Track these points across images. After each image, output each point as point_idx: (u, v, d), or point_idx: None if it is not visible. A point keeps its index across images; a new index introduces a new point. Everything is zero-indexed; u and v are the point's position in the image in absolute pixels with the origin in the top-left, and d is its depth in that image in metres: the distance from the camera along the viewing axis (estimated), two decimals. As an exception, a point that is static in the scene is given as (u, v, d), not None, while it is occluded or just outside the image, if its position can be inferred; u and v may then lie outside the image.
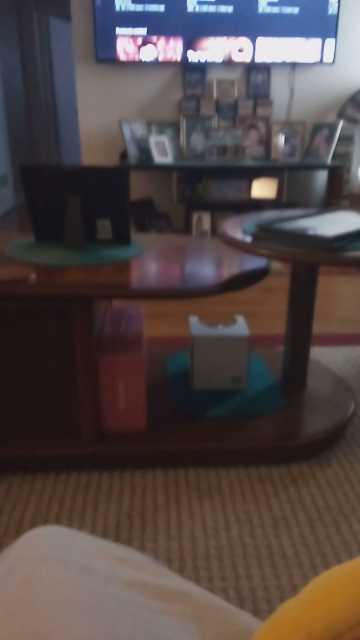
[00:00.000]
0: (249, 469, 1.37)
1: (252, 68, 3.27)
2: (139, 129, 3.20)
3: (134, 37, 3.10)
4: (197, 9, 3.05)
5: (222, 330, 1.57)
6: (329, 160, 3.21)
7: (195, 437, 1.39)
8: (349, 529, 1.18)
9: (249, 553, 1.12)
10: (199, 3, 3.04)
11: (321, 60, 3.20)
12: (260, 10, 3.07)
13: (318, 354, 2.01)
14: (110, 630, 0.43)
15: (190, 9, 3.05)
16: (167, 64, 3.21)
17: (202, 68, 3.25)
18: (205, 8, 3.05)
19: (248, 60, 3.17)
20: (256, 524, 1.19)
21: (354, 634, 0.30)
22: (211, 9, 3.06)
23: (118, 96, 3.31)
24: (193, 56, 3.15)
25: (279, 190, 3.31)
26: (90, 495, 1.28)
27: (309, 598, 0.32)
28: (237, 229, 1.38)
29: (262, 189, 3.32)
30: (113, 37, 3.10)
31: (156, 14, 3.06)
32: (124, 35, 3.10)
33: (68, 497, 1.27)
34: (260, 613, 0.98)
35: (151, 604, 0.48)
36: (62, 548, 0.53)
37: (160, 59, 3.15)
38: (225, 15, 3.08)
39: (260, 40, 3.13)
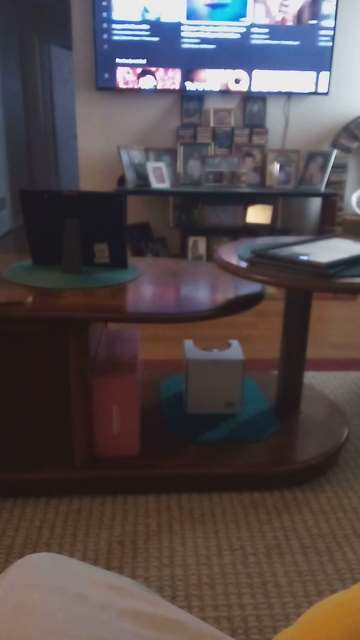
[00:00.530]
0: (243, 494, 1.36)
1: (248, 98, 3.35)
2: (137, 155, 3.26)
3: (133, 67, 3.18)
4: (192, 46, 3.14)
5: (216, 354, 1.57)
6: (322, 188, 3.27)
7: (188, 462, 1.38)
8: (342, 556, 1.17)
9: (242, 581, 1.10)
10: (190, 42, 3.13)
11: (316, 91, 3.29)
12: (255, 42, 3.17)
13: (312, 378, 2.02)
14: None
15: (185, 45, 3.14)
16: (165, 92, 3.29)
17: (199, 97, 3.33)
18: (198, 45, 3.14)
19: (244, 89, 3.26)
20: (249, 552, 1.18)
21: None
22: (204, 45, 3.15)
23: (117, 123, 3.38)
24: (191, 86, 3.23)
25: (274, 217, 3.36)
26: (82, 520, 1.27)
27: (304, 628, 0.32)
28: (233, 254, 1.40)
29: (257, 215, 3.37)
30: (113, 67, 3.19)
31: (154, 46, 3.14)
32: (123, 65, 3.18)
33: (59, 523, 1.26)
34: (252, 644, 0.97)
35: (145, 633, 0.47)
36: (56, 576, 0.52)
37: (158, 87, 3.23)
38: (221, 49, 3.17)
39: (256, 72, 3.22)
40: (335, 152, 3.25)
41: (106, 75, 3.20)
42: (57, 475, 1.34)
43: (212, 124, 3.36)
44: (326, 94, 3.30)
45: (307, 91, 3.28)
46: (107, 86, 3.22)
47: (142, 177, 3.22)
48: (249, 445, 1.45)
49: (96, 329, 1.52)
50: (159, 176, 3.20)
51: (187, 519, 1.28)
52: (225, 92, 3.27)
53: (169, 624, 0.50)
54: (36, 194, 1.42)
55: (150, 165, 3.18)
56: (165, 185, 3.21)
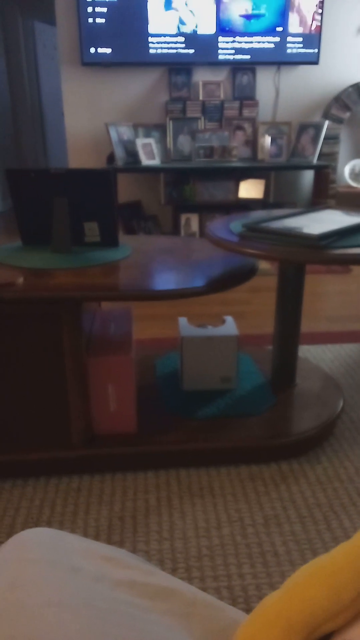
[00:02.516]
0: (240, 468, 1.38)
1: (237, 69, 3.28)
2: (125, 132, 3.20)
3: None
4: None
5: (211, 330, 1.57)
6: (315, 160, 3.23)
7: (185, 438, 1.39)
8: (339, 525, 1.19)
9: (241, 552, 1.12)
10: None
11: (306, 61, 3.23)
12: (242, 12, 3.09)
13: (307, 352, 2.02)
14: (98, 629, 0.44)
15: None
16: (153, 65, 3.22)
17: (187, 70, 3.26)
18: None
19: (232, 58, 3.19)
20: (247, 523, 1.20)
21: (333, 623, 0.30)
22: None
23: (104, 99, 3.31)
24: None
25: (266, 191, 3.33)
26: (82, 498, 1.28)
27: (289, 590, 0.32)
28: (225, 229, 1.39)
29: (249, 189, 3.34)
30: (98, 41, 3.11)
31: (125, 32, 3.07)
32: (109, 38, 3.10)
33: (59, 501, 1.27)
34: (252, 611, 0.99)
35: (139, 602, 0.48)
36: (50, 549, 0.53)
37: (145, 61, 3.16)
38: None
39: (244, 38, 3.15)
40: (327, 123, 3.21)
41: (91, 50, 3.12)
42: (56, 454, 1.35)
43: (201, 97, 3.30)
44: (316, 63, 3.24)
45: (297, 61, 3.21)
46: (92, 61, 3.15)
47: (132, 154, 3.17)
48: (245, 420, 1.46)
49: (89, 309, 1.52)
50: (149, 152, 3.16)
51: (186, 493, 1.29)
52: (213, 64, 3.21)
53: (163, 593, 0.50)
54: (23, 173, 1.40)
55: (140, 142, 3.13)
56: (155, 161, 3.17)
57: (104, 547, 0.57)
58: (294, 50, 3.19)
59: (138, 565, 0.54)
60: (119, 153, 3.14)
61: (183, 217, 3.35)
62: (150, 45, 3.11)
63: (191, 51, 3.14)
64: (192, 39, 3.11)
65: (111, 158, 3.23)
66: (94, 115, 3.34)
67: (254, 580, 1.05)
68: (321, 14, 3.13)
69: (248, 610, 0.99)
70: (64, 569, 0.50)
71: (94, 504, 1.26)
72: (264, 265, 3.04)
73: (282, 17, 3.12)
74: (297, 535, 1.16)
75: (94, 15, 3.05)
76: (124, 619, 0.45)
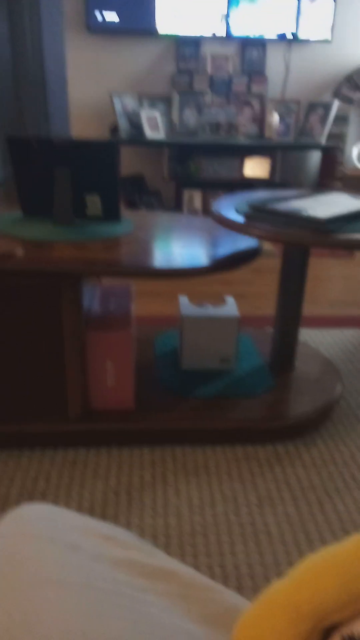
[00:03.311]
0: (236, 448, 1.38)
1: (247, 43, 3.20)
2: (130, 103, 3.13)
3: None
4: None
5: (212, 310, 1.56)
6: (323, 141, 3.18)
7: (182, 416, 1.39)
8: (332, 508, 1.20)
9: (234, 530, 1.13)
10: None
11: (318, 38, 3.14)
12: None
13: (307, 335, 2.02)
14: (97, 608, 0.43)
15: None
16: (160, 35, 3.13)
17: (195, 42, 3.17)
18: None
19: (243, 33, 3.10)
20: (241, 502, 1.21)
21: (341, 614, 0.30)
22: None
23: (109, 68, 3.23)
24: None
25: (272, 170, 3.28)
26: (77, 472, 1.28)
27: (298, 578, 0.32)
28: (230, 208, 1.36)
29: (255, 168, 3.29)
30: (105, 6, 3.01)
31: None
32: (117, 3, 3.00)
33: (54, 474, 1.27)
34: (243, 589, 1.00)
35: (137, 583, 0.48)
36: (49, 526, 0.52)
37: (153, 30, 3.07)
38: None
39: (255, 12, 3.06)
40: (336, 103, 3.14)
41: (97, 16, 3.02)
42: (52, 427, 1.35)
43: (209, 71, 3.22)
44: (329, 41, 3.15)
45: (309, 37, 3.13)
46: (98, 27, 3.05)
47: (136, 127, 3.10)
48: (242, 401, 1.46)
49: (89, 284, 1.50)
50: (154, 125, 3.09)
51: (181, 471, 1.30)
52: (222, 37, 3.12)
53: (161, 573, 0.50)
54: (25, 141, 1.36)
55: (145, 114, 3.06)
56: (159, 135, 3.11)
57: (103, 525, 0.56)
58: (307, 27, 3.10)
59: (137, 546, 0.54)
60: (123, 124, 3.07)
61: (186, 194, 3.31)
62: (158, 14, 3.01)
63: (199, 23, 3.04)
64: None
65: (115, 129, 3.17)
66: (98, 84, 3.26)
67: (246, 558, 1.06)
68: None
69: (240, 588, 1.00)
70: (64, 546, 0.49)
71: (89, 477, 1.27)
72: (267, 246, 3.01)
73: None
74: (290, 517, 1.17)
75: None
76: (123, 599, 0.45)
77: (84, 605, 0.43)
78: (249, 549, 1.09)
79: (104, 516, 1.16)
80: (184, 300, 1.62)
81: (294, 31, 3.10)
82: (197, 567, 1.04)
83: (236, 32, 3.09)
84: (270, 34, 3.11)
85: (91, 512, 1.17)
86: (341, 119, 3.23)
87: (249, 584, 1.01)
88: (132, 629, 0.43)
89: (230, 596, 0.52)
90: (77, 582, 0.45)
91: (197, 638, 0.45)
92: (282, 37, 3.07)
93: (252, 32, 3.09)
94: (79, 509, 1.18)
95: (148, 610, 0.45)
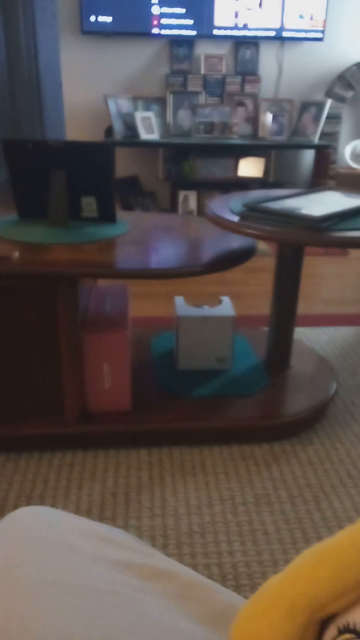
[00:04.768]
0: (232, 447, 1.39)
1: (240, 43, 3.21)
2: (124, 104, 3.13)
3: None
4: None
5: (207, 310, 1.56)
6: (316, 140, 3.19)
7: (179, 417, 1.40)
8: (328, 505, 1.20)
9: (231, 529, 1.13)
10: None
11: (310, 37, 3.15)
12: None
13: (302, 334, 2.03)
14: (95, 609, 0.44)
15: None
16: (154, 37, 3.13)
17: (189, 42, 3.18)
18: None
19: (235, 32, 3.11)
20: (238, 501, 1.21)
21: (337, 605, 0.30)
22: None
23: (104, 70, 3.23)
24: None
25: (266, 170, 3.28)
26: (75, 474, 1.29)
27: (293, 572, 0.32)
28: (224, 208, 1.37)
29: (249, 168, 3.30)
30: (99, 9, 3.01)
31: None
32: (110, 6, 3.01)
33: (52, 476, 1.28)
34: (241, 588, 1.01)
35: (136, 583, 0.48)
36: (47, 528, 0.53)
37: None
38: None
39: (248, 12, 3.07)
40: (329, 101, 3.15)
41: (92, 19, 3.03)
42: (50, 430, 1.35)
43: (202, 71, 3.22)
44: (321, 39, 3.16)
45: (302, 36, 3.14)
46: (92, 30, 3.05)
47: (131, 128, 3.11)
48: (239, 400, 1.46)
49: (85, 285, 1.50)
50: (148, 126, 3.10)
51: (178, 471, 1.30)
52: (216, 37, 3.13)
53: (159, 574, 0.51)
54: (20, 143, 1.37)
55: (139, 115, 3.07)
56: (154, 136, 3.11)
57: (100, 526, 0.57)
58: (298, 26, 3.11)
59: (135, 546, 0.54)
60: (118, 126, 3.08)
61: (181, 194, 3.31)
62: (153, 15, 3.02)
63: (191, 22, 3.05)
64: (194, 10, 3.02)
65: (109, 131, 3.17)
66: (93, 86, 3.26)
67: (244, 557, 1.07)
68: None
69: (237, 586, 1.01)
70: (61, 548, 0.50)
71: (87, 479, 1.27)
72: (261, 245, 3.02)
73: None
74: (287, 515, 1.18)
75: (95, -20, 2.96)
76: (121, 600, 0.46)
77: (82, 607, 0.43)
78: (246, 548, 1.09)
79: (101, 518, 1.17)
80: (179, 301, 1.62)
81: (286, 29, 3.11)
82: (194, 566, 1.05)
83: (227, 31, 3.09)
84: (263, 33, 3.12)
85: (89, 514, 1.18)
86: (334, 118, 3.24)
87: (247, 583, 1.02)
88: (131, 630, 0.44)
89: (228, 595, 0.52)
90: (75, 584, 0.46)
91: (196, 638, 0.46)
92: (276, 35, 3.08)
93: (244, 31, 3.10)
94: (77, 511, 1.19)
95: (146, 611, 0.45)
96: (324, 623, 0.32)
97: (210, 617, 0.47)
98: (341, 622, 0.30)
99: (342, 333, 2.06)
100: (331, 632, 0.31)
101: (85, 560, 0.49)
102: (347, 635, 0.29)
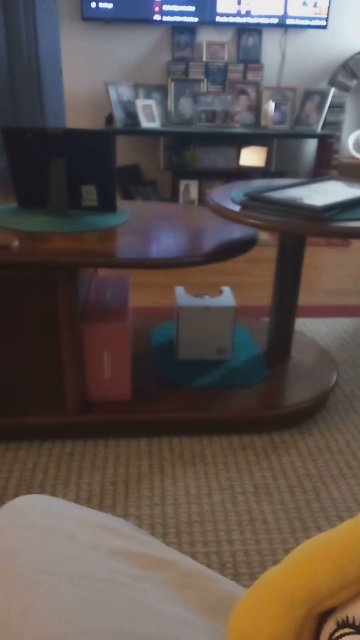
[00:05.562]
0: (232, 437, 1.39)
1: (243, 30, 3.17)
2: (125, 92, 3.10)
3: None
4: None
5: (208, 300, 1.56)
6: (319, 129, 3.16)
7: (179, 407, 1.40)
8: (327, 495, 1.21)
9: (231, 519, 1.14)
10: None
11: (314, 25, 3.11)
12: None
13: (303, 325, 2.02)
14: (94, 598, 0.44)
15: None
16: (155, 23, 3.09)
17: (191, 29, 3.14)
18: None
19: (238, 19, 3.07)
20: (238, 491, 1.22)
21: (336, 599, 0.30)
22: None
23: (104, 57, 3.20)
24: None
25: (268, 159, 3.26)
26: (75, 463, 1.29)
27: (293, 565, 0.32)
28: (226, 197, 1.36)
29: (251, 157, 3.27)
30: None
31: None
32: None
33: (52, 465, 1.28)
34: (240, 576, 1.01)
35: (135, 572, 0.48)
36: (46, 517, 0.53)
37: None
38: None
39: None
40: (332, 90, 3.12)
41: (92, 4, 2.99)
42: (50, 420, 1.35)
43: (204, 59, 3.19)
44: (325, 27, 3.12)
45: (305, 24, 3.10)
46: (93, 16, 3.02)
47: (131, 116, 3.08)
48: (239, 391, 1.46)
49: (85, 275, 1.50)
50: (149, 115, 3.07)
51: (178, 461, 1.31)
52: (218, 24, 3.09)
53: (158, 563, 0.51)
54: (19, 131, 1.35)
55: (140, 103, 3.04)
56: (155, 124, 3.08)
57: (99, 515, 0.57)
58: (302, 14, 3.07)
59: (134, 535, 0.54)
60: (118, 114, 3.05)
61: (182, 184, 3.29)
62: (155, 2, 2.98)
63: (192, 8, 3.01)
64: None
65: (110, 119, 3.14)
66: (94, 74, 3.23)
67: (243, 546, 1.07)
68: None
69: (236, 575, 1.01)
70: (60, 537, 0.50)
71: (87, 468, 1.27)
72: (263, 235, 3.00)
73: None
74: (286, 504, 1.18)
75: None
76: (120, 589, 0.46)
77: (80, 595, 0.44)
78: (245, 537, 1.10)
79: (101, 507, 1.17)
80: (180, 291, 1.62)
81: (289, 16, 3.07)
82: (194, 555, 1.05)
83: (230, 18, 3.05)
84: (266, 20, 3.08)
85: (89, 503, 1.18)
86: (337, 107, 3.21)
87: (245, 571, 1.02)
88: (129, 618, 0.44)
89: (227, 584, 0.52)
90: (74, 573, 0.46)
91: (194, 626, 0.46)
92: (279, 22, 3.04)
93: (247, 18, 3.06)
94: (77, 500, 1.19)
95: (145, 599, 0.45)
96: (323, 616, 0.32)
97: (209, 606, 0.47)
98: (340, 616, 0.30)
99: (342, 324, 2.05)
100: (330, 625, 0.31)
101: (84, 549, 0.49)
102: (346, 629, 0.29)
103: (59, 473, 1.26)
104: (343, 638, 0.29)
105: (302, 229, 1.19)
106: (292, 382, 1.52)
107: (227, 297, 1.58)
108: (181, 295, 1.58)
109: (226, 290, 1.64)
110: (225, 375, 1.52)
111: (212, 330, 1.56)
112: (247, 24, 3.09)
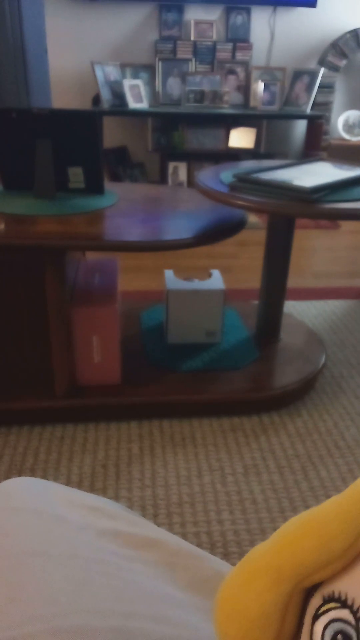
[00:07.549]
0: (222, 419, 1.40)
1: (231, 8, 3.11)
2: (112, 72, 3.05)
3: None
4: None
5: (197, 284, 1.55)
6: (308, 110, 3.13)
7: (169, 390, 1.40)
8: (316, 475, 1.23)
9: (221, 499, 1.15)
10: None
11: (303, 1, 3.06)
12: None
13: (292, 307, 2.03)
14: (82, 578, 0.44)
15: None
16: (143, 1, 3.03)
17: (179, 7, 3.08)
18: None
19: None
20: (228, 472, 1.23)
21: (323, 573, 0.30)
22: None
23: (90, 36, 3.13)
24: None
25: (257, 140, 3.23)
26: (65, 447, 1.29)
27: (279, 541, 0.32)
28: (215, 179, 1.35)
29: (240, 138, 3.24)
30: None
31: None
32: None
33: (43, 449, 1.28)
34: (230, 555, 1.03)
35: (124, 552, 0.49)
36: (35, 498, 0.53)
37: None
38: None
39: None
40: (322, 70, 3.09)
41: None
42: (40, 404, 1.35)
43: (192, 37, 3.13)
44: (314, 5, 3.08)
45: (294, 2, 3.05)
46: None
47: (119, 96, 3.03)
48: (228, 373, 1.47)
49: (73, 258, 1.48)
50: (137, 95, 3.02)
51: (168, 443, 1.31)
52: (206, 1, 3.03)
53: (147, 543, 0.51)
54: (3, 111, 1.33)
55: (127, 83, 2.99)
56: (143, 105, 3.04)
57: (88, 496, 0.57)
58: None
59: (123, 515, 0.55)
60: (105, 94, 3.00)
61: (171, 166, 3.26)
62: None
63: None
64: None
65: (97, 100, 3.09)
66: (80, 53, 3.16)
67: (232, 526, 1.09)
68: None
69: (226, 554, 1.03)
70: (49, 518, 0.50)
71: (78, 452, 1.28)
72: (252, 218, 2.99)
73: None
74: (275, 484, 1.20)
75: None
76: (109, 569, 0.46)
77: (69, 575, 0.44)
78: (235, 517, 1.11)
79: (92, 489, 1.18)
80: (169, 274, 1.61)
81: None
82: (184, 535, 1.07)
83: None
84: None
85: (80, 486, 1.19)
86: (327, 87, 3.18)
87: (235, 550, 1.04)
88: (118, 597, 0.44)
89: (216, 563, 0.53)
90: (63, 553, 0.46)
91: (183, 604, 0.46)
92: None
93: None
94: (68, 483, 1.20)
95: (134, 579, 0.46)
96: (309, 591, 0.32)
97: (198, 585, 0.48)
98: (326, 590, 0.31)
99: (331, 306, 2.06)
100: (316, 600, 0.31)
101: (73, 530, 0.49)
102: (332, 604, 0.30)
103: (49, 457, 1.26)
104: (329, 612, 0.30)
105: (291, 211, 1.19)
106: (281, 364, 1.53)
107: (216, 280, 1.58)
108: (170, 279, 1.58)
109: (215, 273, 1.63)
110: (214, 358, 1.53)
111: (201, 313, 1.55)
112: (235, 1, 3.04)
